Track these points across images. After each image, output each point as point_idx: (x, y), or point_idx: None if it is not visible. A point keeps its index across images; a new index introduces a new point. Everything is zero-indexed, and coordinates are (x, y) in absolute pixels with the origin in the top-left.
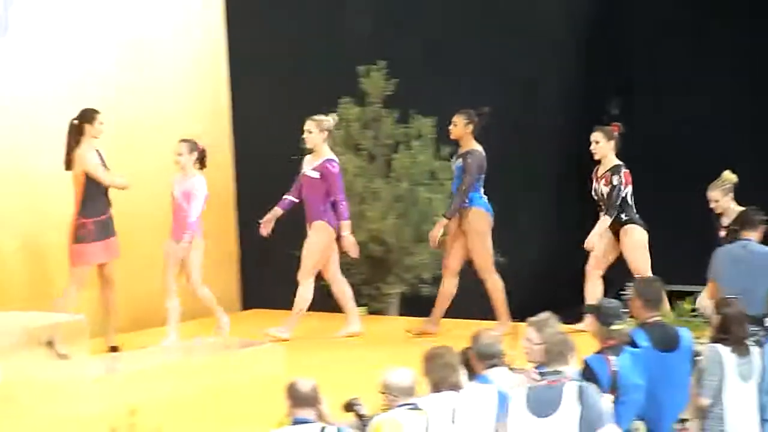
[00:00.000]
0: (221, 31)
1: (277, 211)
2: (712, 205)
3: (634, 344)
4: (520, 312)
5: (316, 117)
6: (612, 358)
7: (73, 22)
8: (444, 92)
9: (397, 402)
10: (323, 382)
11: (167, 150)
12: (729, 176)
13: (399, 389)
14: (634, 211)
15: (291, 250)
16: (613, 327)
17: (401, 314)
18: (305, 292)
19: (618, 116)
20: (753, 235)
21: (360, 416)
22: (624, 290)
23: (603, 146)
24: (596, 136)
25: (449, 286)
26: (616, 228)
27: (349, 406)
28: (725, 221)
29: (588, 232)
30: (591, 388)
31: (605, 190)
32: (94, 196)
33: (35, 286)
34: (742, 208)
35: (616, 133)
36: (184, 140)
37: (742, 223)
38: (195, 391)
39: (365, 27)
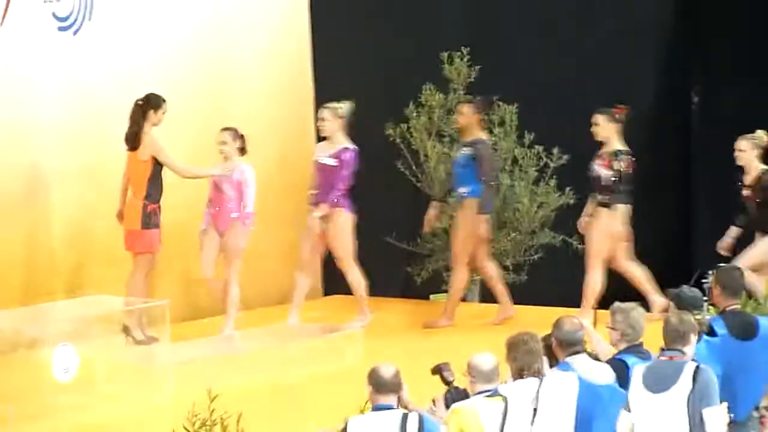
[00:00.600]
0: (305, 20)
1: (325, 208)
2: (736, 154)
3: (712, 333)
4: (601, 300)
5: (331, 105)
6: None
7: (156, 7)
8: (526, 79)
9: (476, 384)
10: (403, 368)
11: (253, 140)
12: (762, 135)
13: (478, 372)
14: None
15: (373, 236)
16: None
17: (482, 301)
18: (357, 276)
19: (699, 103)
20: None
21: (447, 382)
22: (705, 278)
23: (603, 128)
24: (596, 118)
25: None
26: (597, 207)
27: (437, 370)
28: (747, 179)
29: (665, 218)
30: (709, 369)
31: (602, 171)
32: (157, 182)
33: (81, 275)
34: (765, 167)
35: (618, 116)
36: (226, 128)
37: None
38: (276, 377)
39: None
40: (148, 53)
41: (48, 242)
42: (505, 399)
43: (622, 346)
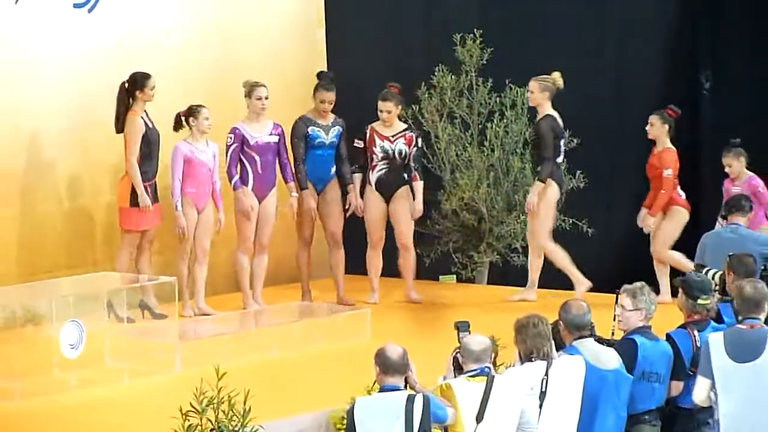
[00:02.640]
0: (319, 0)
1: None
2: (527, 95)
3: (720, 319)
4: (609, 282)
5: (262, 82)
6: (696, 332)
7: None
8: (538, 62)
9: (466, 363)
10: (410, 348)
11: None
12: (556, 76)
13: (468, 352)
14: None
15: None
16: (700, 301)
17: (490, 283)
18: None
19: (710, 90)
20: (741, 220)
21: (460, 342)
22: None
23: (394, 113)
24: (387, 104)
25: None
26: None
27: (455, 327)
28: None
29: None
30: None
31: (405, 149)
32: (147, 160)
33: (84, 252)
34: (550, 112)
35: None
36: (199, 106)
37: (730, 207)
38: (283, 356)
39: None
40: (162, 32)
41: (52, 218)
42: (490, 379)
43: (639, 325)
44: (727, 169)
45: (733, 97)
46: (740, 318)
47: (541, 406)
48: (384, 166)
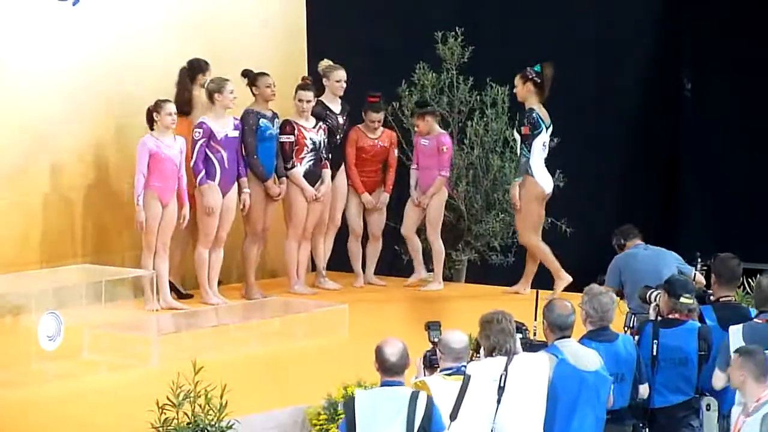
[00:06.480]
0: None
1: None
2: None
3: (702, 321)
4: (590, 281)
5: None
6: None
7: None
8: (519, 62)
9: (444, 361)
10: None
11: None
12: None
13: (448, 350)
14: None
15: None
16: (683, 300)
17: (468, 281)
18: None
19: (691, 90)
20: (641, 241)
21: (431, 341)
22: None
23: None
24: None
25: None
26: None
27: (426, 327)
28: None
29: (655, 204)
30: None
31: (325, 138)
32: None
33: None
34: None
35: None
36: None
37: (627, 234)
38: (261, 351)
39: None
40: (146, 24)
41: (41, 209)
42: (466, 378)
43: (588, 327)
44: (415, 129)
45: (715, 97)
46: (757, 312)
47: (499, 401)
48: (312, 158)
